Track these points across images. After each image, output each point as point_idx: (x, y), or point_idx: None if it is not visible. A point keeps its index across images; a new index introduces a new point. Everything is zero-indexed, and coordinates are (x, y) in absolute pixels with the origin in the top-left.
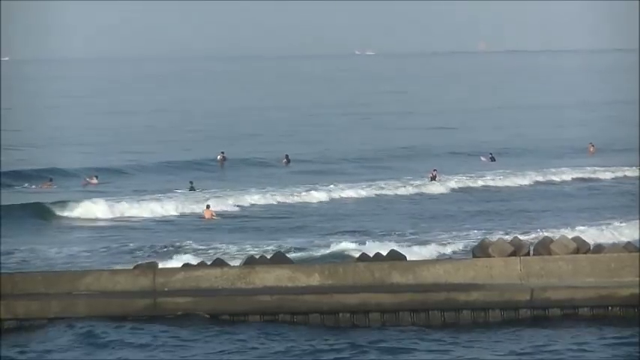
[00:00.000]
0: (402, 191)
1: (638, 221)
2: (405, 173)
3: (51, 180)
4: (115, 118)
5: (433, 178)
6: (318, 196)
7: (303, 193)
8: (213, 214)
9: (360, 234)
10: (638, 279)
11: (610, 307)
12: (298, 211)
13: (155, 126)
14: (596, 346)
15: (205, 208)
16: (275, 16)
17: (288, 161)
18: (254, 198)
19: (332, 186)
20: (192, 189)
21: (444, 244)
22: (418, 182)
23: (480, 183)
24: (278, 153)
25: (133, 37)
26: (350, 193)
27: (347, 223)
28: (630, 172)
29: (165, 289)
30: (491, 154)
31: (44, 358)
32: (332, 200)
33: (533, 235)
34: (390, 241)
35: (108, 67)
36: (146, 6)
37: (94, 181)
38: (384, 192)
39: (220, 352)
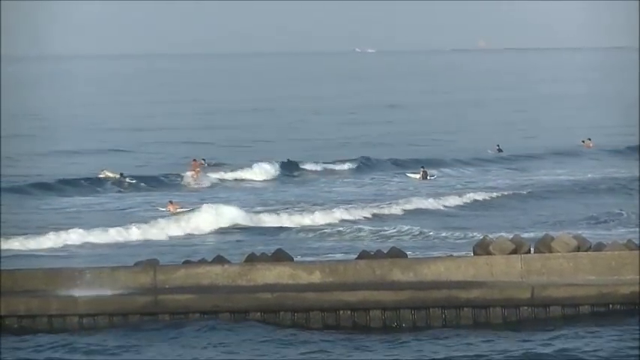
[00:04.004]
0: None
1: (637, 219)
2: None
3: (203, 160)
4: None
5: (424, 177)
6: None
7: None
8: (177, 207)
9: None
10: (638, 277)
11: (611, 305)
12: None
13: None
14: (596, 344)
15: (169, 203)
16: (272, 14)
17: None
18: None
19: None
20: (122, 179)
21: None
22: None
23: (482, 181)
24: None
25: (119, 34)
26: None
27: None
28: (627, 170)
29: (166, 287)
30: (498, 145)
31: None
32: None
33: (534, 234)
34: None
35: (105, 64)
36: (131, 5)
37: (201, 164)
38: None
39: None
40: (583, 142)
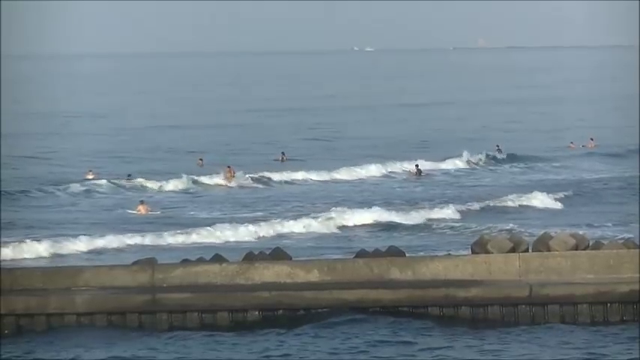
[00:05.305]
0: None
1: (637, 218)
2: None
3: (201, 160)
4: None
5: (418, 173)
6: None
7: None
8: (149, 208)
9: None
10: (637, 275)
11: (609, 304)
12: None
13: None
14: (595, 344)
15: (140, 203)
16: (268, 12)
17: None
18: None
19: None
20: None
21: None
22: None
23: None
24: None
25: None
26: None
27: None
28: (629, 169)
29: (164, 285)
30: (498, 145)
31: None
32: None
33: (532, 232)
34: None
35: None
36: (134, 5)
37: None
38: None
39: None
40: (571, 143)
